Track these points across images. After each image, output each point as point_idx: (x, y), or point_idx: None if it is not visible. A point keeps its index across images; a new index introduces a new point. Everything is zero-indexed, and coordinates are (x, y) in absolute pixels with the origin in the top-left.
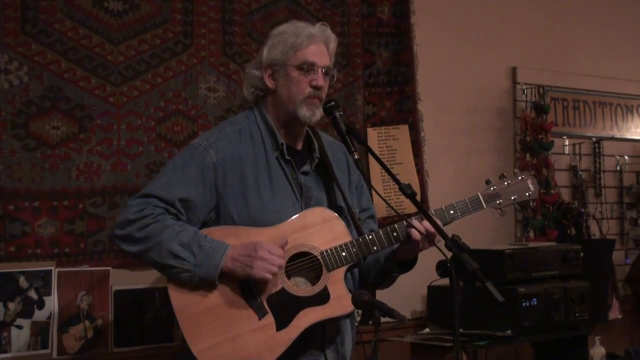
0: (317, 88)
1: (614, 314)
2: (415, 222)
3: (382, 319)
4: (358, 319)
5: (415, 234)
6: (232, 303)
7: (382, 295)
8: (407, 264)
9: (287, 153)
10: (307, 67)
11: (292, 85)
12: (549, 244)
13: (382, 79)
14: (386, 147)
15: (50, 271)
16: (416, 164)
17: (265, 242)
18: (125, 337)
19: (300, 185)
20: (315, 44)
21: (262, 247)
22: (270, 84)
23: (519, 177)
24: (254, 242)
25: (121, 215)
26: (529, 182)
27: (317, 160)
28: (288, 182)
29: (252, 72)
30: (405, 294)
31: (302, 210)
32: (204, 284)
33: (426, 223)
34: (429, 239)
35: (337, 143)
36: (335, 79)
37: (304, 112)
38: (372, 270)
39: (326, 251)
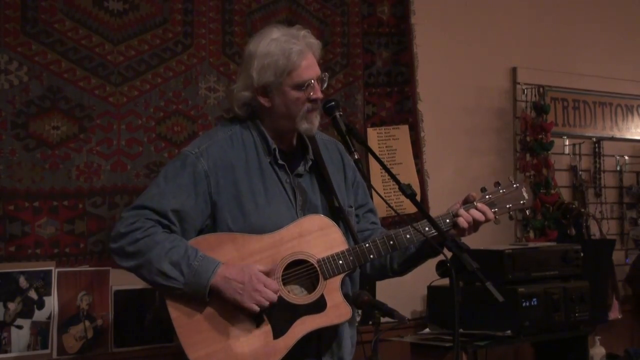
0: (316, 101)
1: (614, 314)
2: (462, 212)
3: (382, 319)
4: (358, 319)
5: (463, 223)
6: (229, 310)
7: (382, 295)
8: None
9: (279, 157)
10: (305, 87)
11: (291, 104)
12: (549, 244)
13: (382, 79)
14: (386, 147)
15: (50, 271)
16: (416, 164)
17: (262, 273)
18: (125, 337)
19: (294, 189)
20: (305, 59)
21: (258, 278)
22: (265, 102)
23: (514, 185)
24: (252, 271)
25: (115, 228)
26: (524, 190)
27: (310, 162)
28: (282, 186)
29: (242, 93)
30: (405, 294)
31: (297, 214)
32: (196, 298)
33: (474, 212)
34: (475, 227)
35: (331, 141)
36: (325, 84)
37: (305, 126)
38: (397, 259)
39: (323, 259)
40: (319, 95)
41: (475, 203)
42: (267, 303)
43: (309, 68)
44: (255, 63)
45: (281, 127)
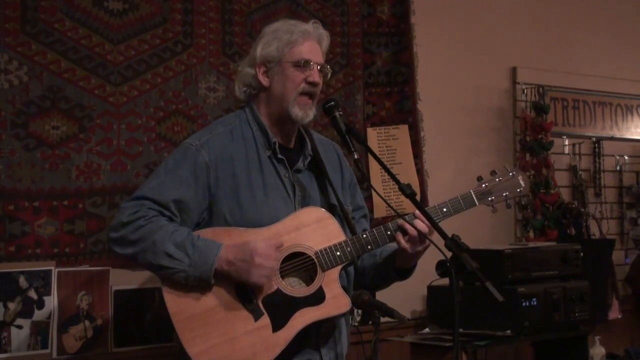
0: (312, 84)
1: (614, 313)
2: (407, 226)
3: (382, 319)
4: (358, 318)
5: (399, 240)
6: (227, 305)
7: (382, 295)
8: (406, 271)
9: (279, 152)
10: (303, 64)
11: (287, 81)
12: (548, 243)
13: (382, 78)
14: (386, 147)
15: (50, 271)
16: (416, 164)
17: (259, 245)
18: (125, 337)
19: (293, 184)
20: (309, 41)
21: (257, 252)
22: (264, 81)
23: (510, 174)
24: (250, 247)
25: (115, 218)
26: (520, 178)
27: (309, 158)
28: (280, 181)
29: (246, 70)
30: (405, 294)
31: (295, 209)
32: (199, 285)
33: (418, 223)
34: (420, 240)
35: (328, 141)
36: (329, 77)
37: (296, 112)
38: (369, 273)
39: (320, 251)
40: (317, 79)
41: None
42: (271, 274)
43: (311, 51)
44: (263, 39)
45: (276, 113)
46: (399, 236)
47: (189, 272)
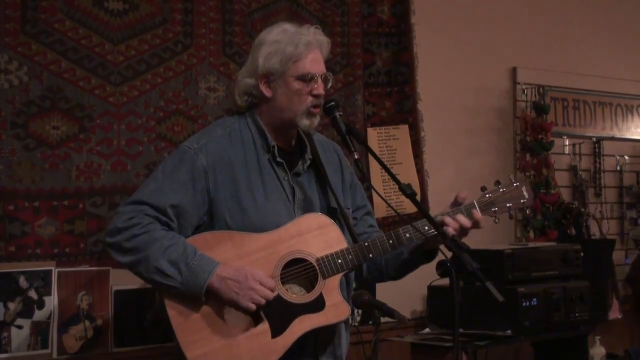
0: (318, 97)
1: (614, 313)
2: (448, 220)
3: (382, 319)
4: (358, 318)
5: (451, 230)
6: (227, 309)
7: (382, 295)
8: (434, 252)
9: (278, 155)
10: (308, 79)
11: (293, 96)
12: (549, 244)
13: (382, 79)
14: (386, 147)
15: (50, 271)
16: (416, 164)
17: (257, 271)
18: (125, 337)
19: (292, 187)
20: (312, 52)
21: (253, 276)
22: (266, 92)
23: (514, 184)
24: (247, 270)
25: (112, 222)
26: (524, 189)
27: (309, 161)
28: (280, 184)
29: (246, 80)
30: (405, 294)
31: (294, 212)
32: (192, 298)
33: (460, 218)
34: (462, 233)
35: (328, 142)
36: (330, 84)
37: (304, 122)
38: (392, 264)
39: (322, 258)
40: (322, 91)
41: (462, 208)
42: (263, 301)
43: (315, 62)
44: (263, 49)
45: (279, 121)
46: (449, 229)
47: (180, 289)
